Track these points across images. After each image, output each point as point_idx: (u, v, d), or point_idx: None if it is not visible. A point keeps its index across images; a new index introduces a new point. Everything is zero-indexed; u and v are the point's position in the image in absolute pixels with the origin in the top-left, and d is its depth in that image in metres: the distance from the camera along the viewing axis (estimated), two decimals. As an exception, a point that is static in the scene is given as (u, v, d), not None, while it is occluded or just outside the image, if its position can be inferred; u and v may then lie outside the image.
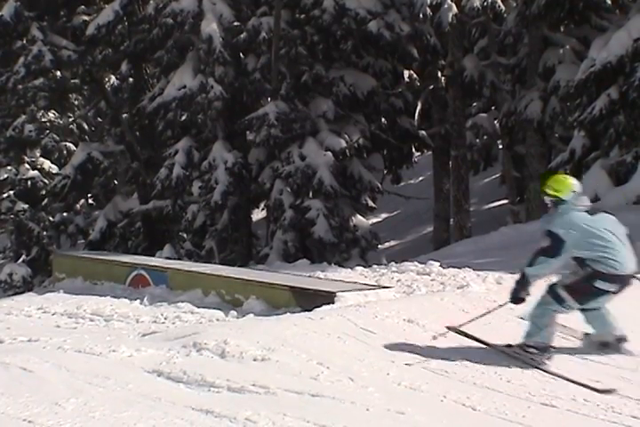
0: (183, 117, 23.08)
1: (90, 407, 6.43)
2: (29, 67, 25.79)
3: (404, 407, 6.71)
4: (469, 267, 13.20)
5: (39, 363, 7.44)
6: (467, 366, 7.90)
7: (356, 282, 12.03)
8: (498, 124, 24.53)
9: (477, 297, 10.21)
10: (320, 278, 12.88)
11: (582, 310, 8.31)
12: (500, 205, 27.84)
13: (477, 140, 26.59)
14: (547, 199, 8.52)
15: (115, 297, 12.69)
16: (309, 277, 13.05)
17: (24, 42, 26.59)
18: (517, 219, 23.12)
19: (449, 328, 8.58)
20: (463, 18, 21.89)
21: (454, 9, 21.21)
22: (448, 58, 22.87)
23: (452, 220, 23.67)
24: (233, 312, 11.08)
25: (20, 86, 26.87)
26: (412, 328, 8.90)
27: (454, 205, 23.26)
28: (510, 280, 11.96)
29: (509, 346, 8.26)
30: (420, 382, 7.39)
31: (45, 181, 30.11)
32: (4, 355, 7.68)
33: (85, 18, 27.00)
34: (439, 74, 23.33)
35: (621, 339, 8.36)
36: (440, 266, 13.32)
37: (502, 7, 21.96)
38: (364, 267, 14.70)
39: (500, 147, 26.33)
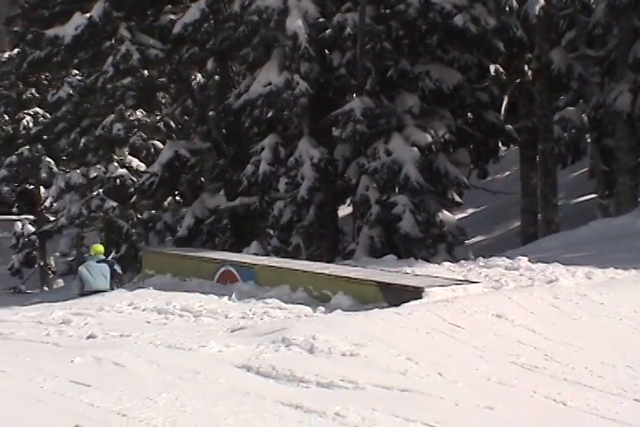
0: (269, 114, 23.13)
1: (181, 402, 6.51)
2: (118, 66, 26.14)
3: (494, 403, 6.67)
4: (558, 261, 13.06)
5: (131, 358, 7.54)
6: (557, 361, 7.82)
7: (443, 277, 11.98)
8: (586, 118, 24.17)
9: (567, 292, 10.10)
10: (407, 274, 12.85)
11: None
12: (589, 200, 27.44)
13: (565, 134, 26.19)
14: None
15: (203, 293, 12.81)
16: (397, 272, 13.02)
17: (112, 42, 26.98)
18: (606, 213, 22.77)
19: None
20: (550, 10, 21.61)
21: (541, 1, 20.96)
22: (535, 51, 22.58)
23: (539, 214, 23.41)
24: (321, 308, 11.10)
25: (109, 86, 27.24)
26: (501, 323, 8.84)
27: (542, 199, 22.98)
28: (601, 275, 11.87)
29: None
30: (510, 377, 7.34)
31: (134, 178, 30.48)
32: (97, 350, 7.82)
33: (172, 17, 27.27)
34: (526, 67, 23.05)
35: None
36: (528, 261, 13.20)
37: (591, -2, 21.69)
38: (452, 262, 14.62)
39: (589, 140, 25.94)
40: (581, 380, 7.34)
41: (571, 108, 25.56)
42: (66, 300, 15.23)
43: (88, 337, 9.25)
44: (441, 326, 8.55)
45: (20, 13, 37.93)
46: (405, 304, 9.77)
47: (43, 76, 41.22)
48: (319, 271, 12.63)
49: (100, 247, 15.80)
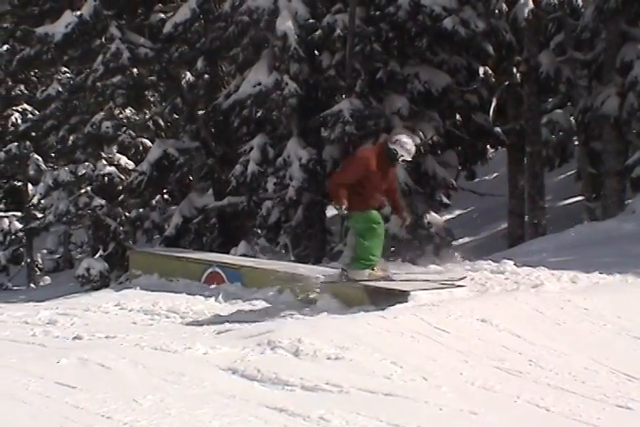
0: (258, 114, 23.20)
1: (166, 404, 6.54)
2: (108, 64, 26.16)
3: (477, 408, 6.72)
4: (544, 265, 13.09)
5: (116, 359, 7.56)
6: (541, 366, 7.87)
7: (429, 280, 12.01)
8: (574, 121, 24.25)
9: (552, 296, 10.15)
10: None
11: None
12: (576, 202, 27.51)
13: (553, 137, 26.31)
14: None
15: (190, 294, 12.83)
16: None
17: (102, 40, 26.98)
18: (593, 216, 22.82)
19: None
20: (539, 13, 21.68)
21: (530, 4, 21.02)
22: (523, 54, 22.65)
23: (526, 216, 23.48)
24: (307, 310, 11.13)
25: (99, 84, 27.24)
26: (486, 328, 8.87)
27: (529, 201, 23.05)
28: (585, 280, 11.92)
29: None
30: (494, 382, 7.38)
31: (122, 176, 30.42)
32: (83, 351, 7.83)
33: (162, 16, 27.30)
34: (514, 70, 23.09)
35: None
36: (514, 264, 13.22)
37: (579, 2, 21.73)
38: (438, 265, 14.64)
39: (576, 143, 26.03)
40: (564, 385, 7.40)
41: (558, 110, 25.68)
42: (52, 298, 15.26)
43: (74, 338, 9.27)
44: (426, 331, 8.59)
45: (9, 10, 37.88)
46: (391, 308, 9.80)
47: (32, 73, 41.13)
48: (305, 274, 12.64)
49: None
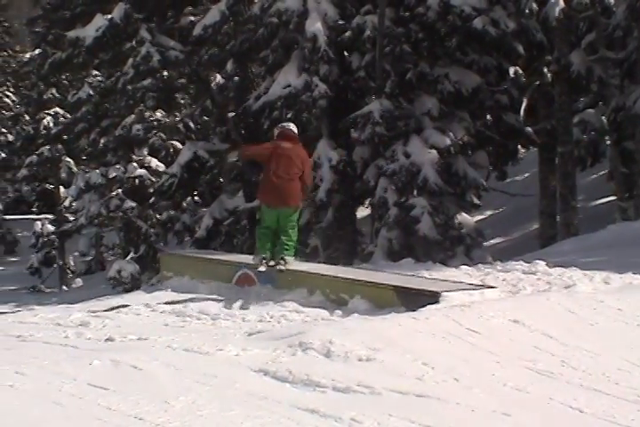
0: (288, 116, 23.20)
1: (198, 406, 6.54)
2: (138, 67, 26.33)
3: (510, 409, 6.68)
4: (576, 266, 13.03)
5: (148, 361, 7.57)
6: (573, 367, 7.82)
7: (460, 282, 11.98)
8: (605, 120, 24.11)
9: (584, 297, 10.09)
10: (424, 278, 12.85)
11: None
12: (608, 202, 27.38)
13: (584, 136, 26.17)
14: None
15: (221, 296, 12.84)
16: (414, 276, 13.02)
17: (133, 43, 27.14)
18: (626, 216, 22.70)
19: None
20: (570, 12, 21.57)
21: (561, 3, 20.93)
22: (554, 53, 22.55)
23: (558, 217, 23.38)
24: (338, 311, 11.10)
25: (129, 86, 27.42)
26: (518, 329, 8.83)
27: (560, 201, 22.95)
28: (618, 280, 11.85)
29: None
30: (526, 383, 7.34)
31: (153, 179, 30.57)
32: (115, 353, 7.85)
33: (192, 18, 27.42)
34: (545, 69, 22.99)
35: None
36: (546, 265, 13.18)
37: (611, 0, 21.60)
38: (469, 266, 14.61)
39: (608, 143, 25.88)
40: (597, 386, 7.34)
41: (590, 110, 25.51)
42: (84, 300, 15.33)
43: (106, 340, 9.28)
44: (457, 331, 8.56)
45: (41, 14, 38.21)
46: (422, 309, 9.77)
47: (63, 77, 41.44)
48: (337, 275, 12.64)
49: None
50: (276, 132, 13.74)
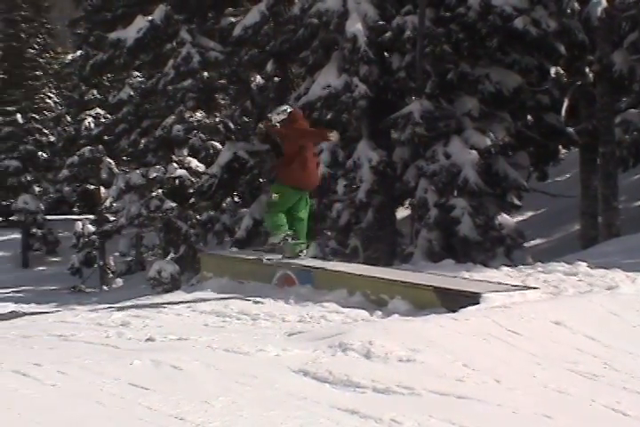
0: (328, 116, 23.21)
1: (238, 406, 6.53)
2: (178, 68, 26.47)
3: (552, 411, 6.62)
4: (618, 267, 12.92)
5: (189, 361, 7.58)
6: (616, 369, 7.75)
7: (501, 283, 11.91)
8: (648, 120, 23.95)
9: (627, 299, 10.00)
10: (465, 279, 12.79)
11: None
12: (651, 203, 27.20)
13: (626, 137, 25.98)
14: None
15: (261, 296, 12.84)
16: (454, 277, 12.96)
17: (173, 44, 27.28)
18: (669, 217, 22.55)
19: None
20: (613, 12, 21.42)
21: (604, 2, 20.79)
22: (596, 53, 22.40)
23: (599, 217, 23.22)
24: (378, 312, 11.07)
25: (170, 87, 27.54)
26: (560, 330, 8.76)
27: (602, 202, 22.78)
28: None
29: None
30: (568, 385, 7.28)
31: (192, 179, 30.71)
32: (155, 353, 7.87)
33: (232, 19, 27.50)
34: (587, 69, 22.85)
35: None
36: (588, 266, 13.07)
37: (654, -1, 21.45)
38: (510, 267, 14.53)
39: (651, 143, 25.69)
40: (641, 389, 7.29)
41: (632, 110, 25.32)
42: (124, 300, 15.38)
43: (147, 340, 9.31)
44: (498, 333, 8.51)
45: (83, 16, 38.48)
46: (463, 310, 9.72)
47: (104, 78, 41.74)
48: (377, 275, 12.61)
49: None
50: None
